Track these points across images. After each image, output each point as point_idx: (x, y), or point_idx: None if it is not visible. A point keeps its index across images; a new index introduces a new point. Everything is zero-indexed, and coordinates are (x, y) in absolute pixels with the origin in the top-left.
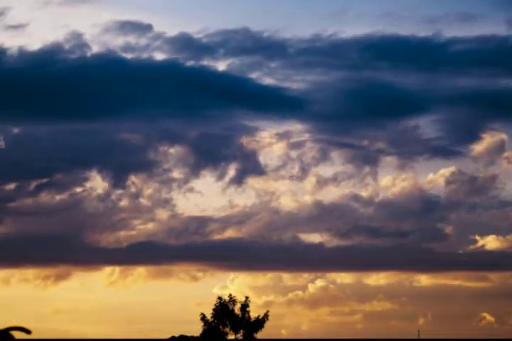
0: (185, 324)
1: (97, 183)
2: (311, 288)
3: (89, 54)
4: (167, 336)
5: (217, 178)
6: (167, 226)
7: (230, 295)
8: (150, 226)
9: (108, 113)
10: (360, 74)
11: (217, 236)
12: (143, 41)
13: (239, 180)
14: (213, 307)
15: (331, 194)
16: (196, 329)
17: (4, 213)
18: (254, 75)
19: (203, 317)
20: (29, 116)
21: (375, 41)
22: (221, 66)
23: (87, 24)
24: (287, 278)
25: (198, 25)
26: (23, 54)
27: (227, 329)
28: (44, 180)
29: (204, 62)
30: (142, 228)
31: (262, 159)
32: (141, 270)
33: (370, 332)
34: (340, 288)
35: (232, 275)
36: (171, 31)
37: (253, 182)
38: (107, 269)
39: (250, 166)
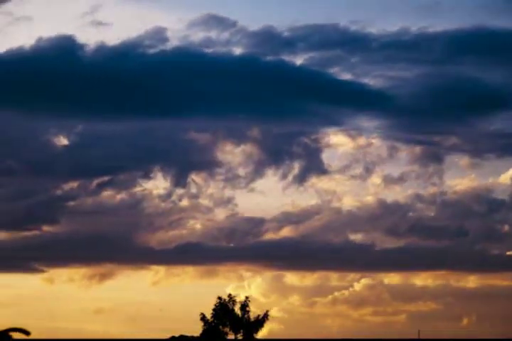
0: None
1: (158, 182)
2: (357, 288)
3: (167, 49)
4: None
5: (280, 177)
6: (222, 226)
7: (230, 295)
8: (205, 226)
9: (177, 110)
10: (443, 70)
11: (271, 236)
12: (224, 36)
13: (302, 178)
14: (213, 307)
15: (395, 193)
16: (196, 329)
17: (63, 212)
18: (332, 70)
19: (203, 317)
20: (95, 112)
21: (464, 35)
22: (299, 60)
23: (171, 19)
24: (334, 277)
25: (283, 20)
26: (101, 49)
27: (227, 330)
28: (106, 179)
29: (282, 56)
30: (197, 228)
31: (328, 157)
32: (187, 270)
33: (410, 333)
34: (386, 288)
35: (277, 275)
36: (255, 25)
37: (317, 181)
38: (153, 269)
39: (315, 165)
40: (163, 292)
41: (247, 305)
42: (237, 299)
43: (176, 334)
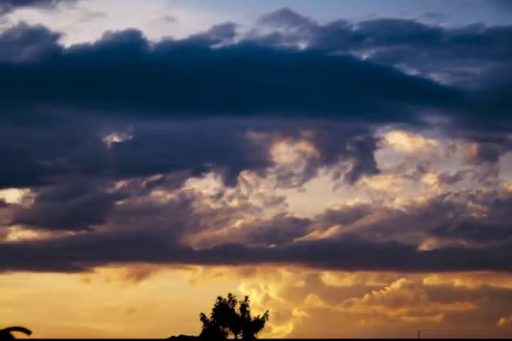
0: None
1: (209, 181)
2: (394, 288)
3: (232, 44)
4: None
5: (332, 177)
6: (267, 226)
7: (230, 294)
8: (250, 226)
9: (237, 107)
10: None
11: (316, 236)
12: (292, 31)
13: (354, 178)
14: (213, 307)
15: (449, 193)
16: (197, 329)
17: (111, 211)
18: (399, 65)
19: (203, 317)
20: (153, 109)
21: None
22: (366, 55)
23: (240, 15)
24: (372, 277)
25: (357, 15)
26: (166, 45)
27: (227, 330)
28: (156, 178)
29: (349, 51)
30: (241, 228)
31: (382, 156)
32: (224, 270)
33: (443, 333)
34: (425, 289)
35: (316, 274)
36: (326, 20)
37: (368, 180)
38: (190, 269)
39: (368, 164)
40: (200, 292)
41: (247, 305)
42: (237, 299)
43: (176, 334)
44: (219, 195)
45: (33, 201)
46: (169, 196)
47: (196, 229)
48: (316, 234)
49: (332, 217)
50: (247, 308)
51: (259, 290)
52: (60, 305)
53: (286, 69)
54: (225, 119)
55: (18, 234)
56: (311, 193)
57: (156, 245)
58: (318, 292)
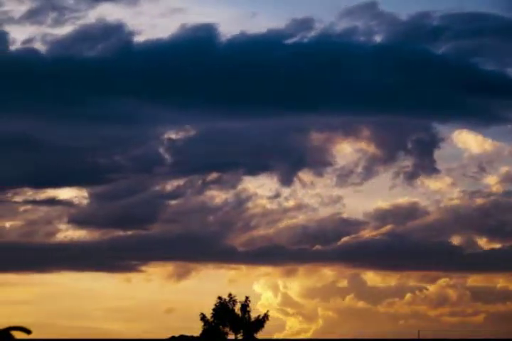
0: None
1: (266, 181)
2: (437, 288)
3: (307, 39)
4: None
5: (391, 176)
6: (317, 226)
7: (230, 294)
8: (300, 226)
9: (302, 105)
10: None
11: (367, 236)
12: (371, 24)
13: (413, 177)
14: (213, 307)
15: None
16: (197, 328)
17: (163, 211)
18: (476, 60)
19: (203, 317)
20: (214, 107)
21: None
22: (442, 49)
23: (319, 8)
24: (416, 277)
25: (439, 8)
26: (239, 39)
27: (227, 329)
28: (213, 177)
29: (425, 44)
30: (292, 228)
31: (444, 155)
32: (266, 270)
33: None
34: (468, 289)
35: (359, 274)
36: (406, 14)
37: (427, 180)
38: (233, 269)
39: (428, 163)
40: (238, 292)
41: (247, 305)
42: (237, 299)
43: (176, 334)
44: (275, 195)
45: (86, 200)
46: (224, 195)
47: (246, 229)
48: (366, 234)
49: (384, 217)
50: (248, 308)
51: (299, 290)
52: (97, 303)
53: (357, 64)
54: (288, 117)
55: (68, 233)
56: (367, 193)
57: (202, 245)
58: (360, 292)
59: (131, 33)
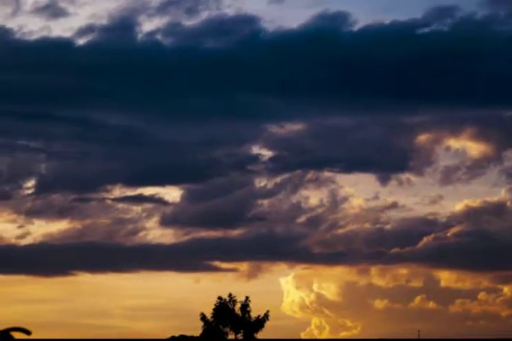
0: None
1: (363, 180)
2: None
3: (443, 30)
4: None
5: (495, 175)
6: (404, 226)
7: (230, 294)
8: (385, 227)
9: (405, 102)
10: None
11: (450, 236)
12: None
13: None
14: (213, 307)
15: None
16: (197, 328)
17: (253, 211)
18: None
19: (203, 317)
20: (327, 103)
21: None
22: None
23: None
24: (489, 278)
25: None
26: (366, 32)
27: (227, 329)
28: (309, 176)
29: None
30: (377, 229)
31: None
32: (342, 270)
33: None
34: None
35: (433, 275)
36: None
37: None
38: (308, 268)
39: None
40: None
41: (248, 305)
42: (237, 299)
43: (176, 334)
44: (372, 195)
45: (179, 198)
46: (318, 194)
47: (332, 229)
48: (450, 234)
49: (472, 216)
50: (248, 308)
51: (367, 290)
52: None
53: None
54: (393, 114)
55: (155, 232)
56: (468, 192)
57: (278, 245)
58: (431, 292)
59: (259, 25)
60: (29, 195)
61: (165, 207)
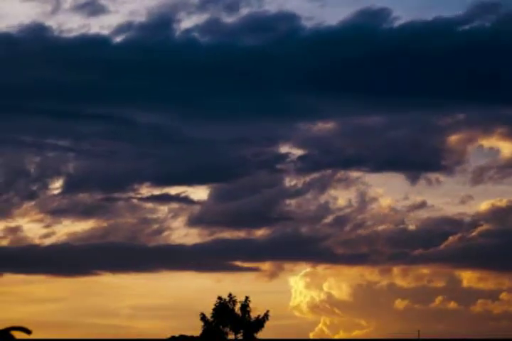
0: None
1: (392, 180)
2: None
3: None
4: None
5: None
6: (431, 226)
7: (230, 294)
8: (412, 227)
9: (437, 101)
10: None
11: (476, 236)
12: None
13: None
14: (213, 307)
15: None
16: (197, 328)
17: (279, 211)
18: None
19: (203, 317)
20: (369, 100)
21: None
22: None
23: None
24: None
25: None
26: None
27: (227, 329)
28: (339, 176)
29: None
30: (404, 229)
31: None
32: (357, 271)
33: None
34: None
35: (456, 275)
36: None
37: None
38: (327, 268)
39: None
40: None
41: (248, 305)
42: (237, 299)
43: (176, 334)
44: (400, 195)
45: (206, 197)
46: (346, 194)
47: (357, 229)
48: (475, 234)
49: (502, 216)
50: (248, 308)
51: (388, 290)
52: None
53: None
54: (426, 112)
55: (180, 233)
56: (498, 192)
57: (302, 245)
58: (453, 292)
59: (298, 22)
60: (56, 194)
61: (192, 207)
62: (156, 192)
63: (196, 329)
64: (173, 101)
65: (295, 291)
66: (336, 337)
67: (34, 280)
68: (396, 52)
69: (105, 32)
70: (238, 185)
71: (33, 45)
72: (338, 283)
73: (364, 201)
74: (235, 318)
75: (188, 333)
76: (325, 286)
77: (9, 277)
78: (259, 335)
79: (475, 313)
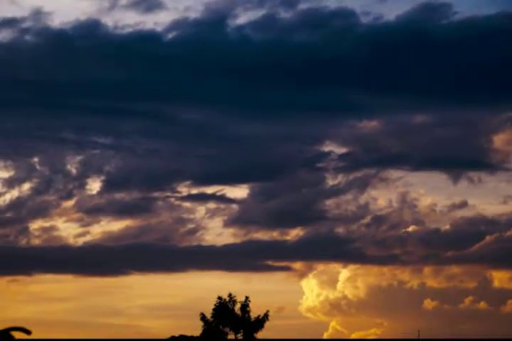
0: None
1: (431, 180)
2: None
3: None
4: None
5: None
6: (467, 226)
7: (230, 294)
8: (444, 226)
9: (484, 100)
10: None
11: (503, 236)
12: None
13: None
14: (213, 307)
15: None
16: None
17: (318, 211)
18: None
19: (203, 317)
20: (408, 99)
21: None
22: None
23: None
24: None
25: None
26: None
27: (227, 329)
28: (371, 172)
29: None
30: (440, 227)
31: None
32: (393, 270)
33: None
34: None
35: (485, 275)
36: None
37: None
38: (357, 268)
39: None
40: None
41: (247, 305)
42: (237, 299)
43: (176, 334)
44: (442, 195)
45: (245, 197)
46: (387, 195)
47: (395, 229)
48: (510, 234)
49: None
50: (248, 308)
51: (417, 290)
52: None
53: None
54: (470, 114)
55: (214, 233)
56: None
57: (335, 245)
58: (483, 293)
59: (355, 18)
60: (95, 193)
61: (230, 206)
62: (195, 191)
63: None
64: (219, 98)
65: (311, 291)
66: (353, 336)
67: (61, 280)
68: (450, 49)
69: (159, 28)
70: (278, 184)
71: (85, 42)
72: (366, 282)
73: (405, 201)
74: (235, 318)
75: (188, 333)
76: (352, 286)
77: (38, 277)
78: (259, 335)
79: (505, 314)
